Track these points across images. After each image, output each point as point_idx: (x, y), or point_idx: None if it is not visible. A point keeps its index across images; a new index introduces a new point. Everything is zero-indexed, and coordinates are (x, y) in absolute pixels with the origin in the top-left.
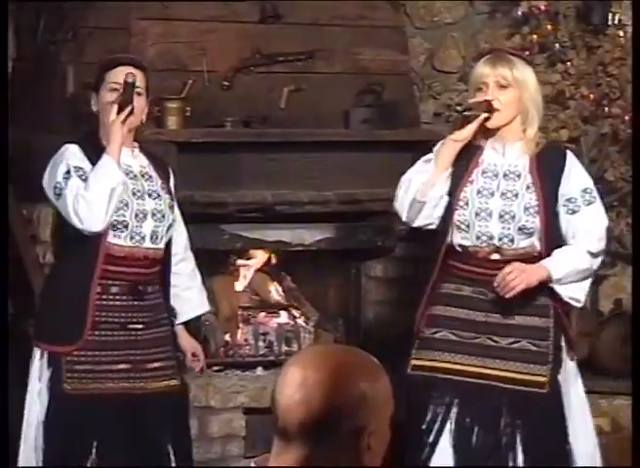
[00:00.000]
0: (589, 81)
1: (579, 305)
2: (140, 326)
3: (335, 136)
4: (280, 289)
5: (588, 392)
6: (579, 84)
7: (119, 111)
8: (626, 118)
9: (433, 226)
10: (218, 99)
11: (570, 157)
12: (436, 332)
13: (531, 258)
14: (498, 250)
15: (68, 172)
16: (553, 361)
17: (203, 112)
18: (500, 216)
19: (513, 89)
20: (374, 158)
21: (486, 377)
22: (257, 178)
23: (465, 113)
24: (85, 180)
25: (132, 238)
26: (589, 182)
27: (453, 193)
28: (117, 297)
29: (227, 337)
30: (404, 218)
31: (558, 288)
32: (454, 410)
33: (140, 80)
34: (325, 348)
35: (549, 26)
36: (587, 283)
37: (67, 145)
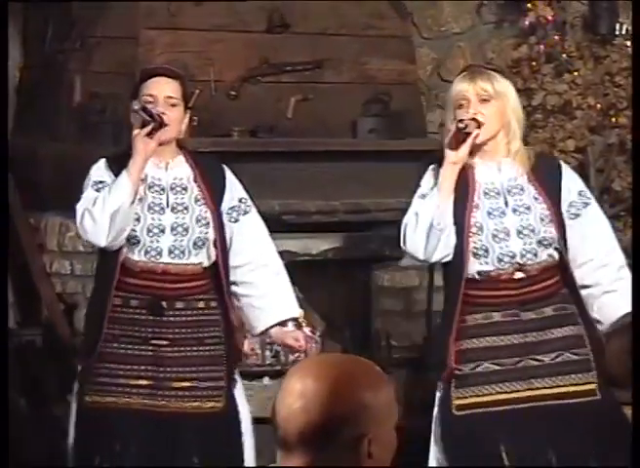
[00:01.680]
0: (596, 91)
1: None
2: (163, 342)
3: (342, 146)
4: None
5: None
6: (586, 94)
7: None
8: None
9: (449, 258)
10: (225, 109)
11: (563, 165)
12: (476, 367)
13: (551, 268)
14: (520, 267)
15: (87, 185)
16: (596, 366)
17: (210, 122)
18: (519, 232)
19: (495, 102)
20: (381, 168)
21: (536, 399)
22: (264, 188)
23: (465, 129)
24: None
25: (147, 253)
26: (583, 185)
27: (458, 220)
28: (137, 311)
29: (245, 347)
30: (422, 255)
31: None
32: (511, 440)
33: (173, 91)
34: (325, 358)
35: (556, 36)
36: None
37: (99, 160)
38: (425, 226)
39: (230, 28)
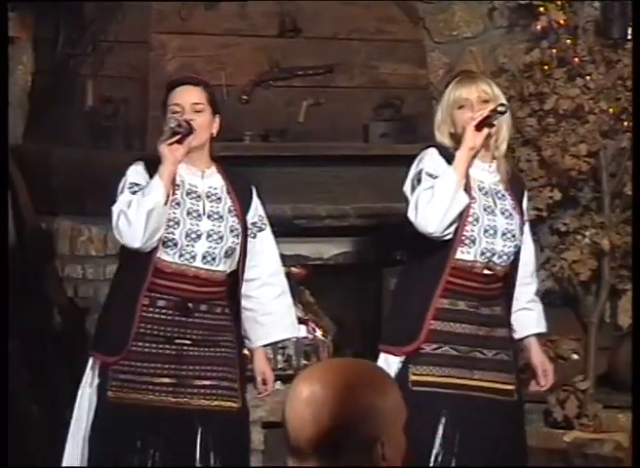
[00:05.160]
0: (608, 95)
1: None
2: (187, 341)
3: (353, 151)
4: (299, 303)
5: (606, 407)
6: (598, 98)
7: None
8: None
9: (450, 236)
10: (236, 113)
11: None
12: (438, 348)
13: (506, 274)
14: (491, 266)
15: (124, 187)
16: (515, 369)
17: (221, 126)
18: (503, 234)
19: (493, 104)
20: (392, 172)
21: (473, 389)
22: (275, 192)
23: (491, 119)
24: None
25: (181, 256)
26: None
27: None
28: (163, 311)
29: (246, 351)
30: (432, 228)
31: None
32: (457, 424)
33: (198, 97)
34: (331, 363)
35: (568, 40)
36: None
37: (136, 162)
38: (445, 200)
39: (242, 33)
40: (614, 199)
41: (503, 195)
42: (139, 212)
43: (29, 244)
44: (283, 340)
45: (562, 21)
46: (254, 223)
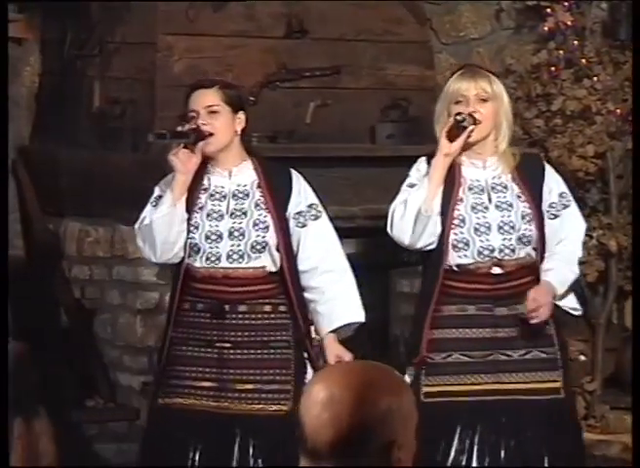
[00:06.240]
0: (616, 96)
1: (578, 314)
2: (227, 344)
3: (360, 152)
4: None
5: (614, 408)
6: (605, 99)
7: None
8: None
9: (433, 245)
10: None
11: (546, 165)
12: (447, 357)
13: (528, 267)
14: (498, 263)
15: (150, 200)
16: (563, 365)
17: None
18: (500, 228)
19: (492, 102)
20: (399, 173)
21: (504, 393)
22: None
23: (462, 123)
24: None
25: (207, 259)
26: (564, 187)
27: (442, 212)
28: (202, 314)
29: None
30: (407, 241)
31: (558, 301)
32: (479, 431)
33: (211, 99)
34: (346, 365)
35: (576, 42)
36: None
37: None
38: (413, 213)
39: (249, 34)
40: (621, 200)
41: (505, 187)
42: (149, 228)
43: (36, 245)
44: (349, 324)
45: (569, 23)
46: (299, 213)
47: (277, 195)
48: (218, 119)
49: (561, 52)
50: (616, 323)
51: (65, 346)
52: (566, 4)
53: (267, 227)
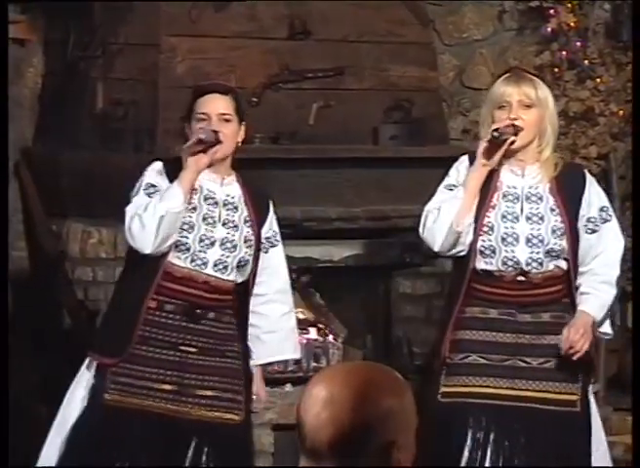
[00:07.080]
0: (619, 97)
1: (609, 338)
2: (192, 349)
3: (363, 153)
4: (309, 305)
5: (617, 409)
6: (608, 100)
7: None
8: None
9: (463, 253)
10: (246, 116)
11: (588, 177)
12: (465, 358)
13: (558, 277)
14: (524, 273)
15: (139, 188)
16: (583, 379)
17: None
18: (528, 241)
19: (536, 108)
20: (402, 174)
21: (519, 399)
22: (285, 195)
23: (500, 138)
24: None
25: (193, 261)
26: (606, 201)
27: (476, 218)
28: (170, 316)
29: None
30: (437, 248)
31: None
32: (492, 435)
33: (226, 107)
34: (348, 365)
35: (579, 43)
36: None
37: (155, 162)
38: (446, 223)
39: (251, 35)
40: (624, 201)
41: (540, 198)
42: (154, 217)
43: (39, 246)
44: (282, 361)
45: (572, 24)
46: (267, 238)
47: (257, 216)
48: (228, 127)
49: (564, 53)
50: (619, 324)
51: (68, 347)
52: (569, 5)
53: (251, 246)
